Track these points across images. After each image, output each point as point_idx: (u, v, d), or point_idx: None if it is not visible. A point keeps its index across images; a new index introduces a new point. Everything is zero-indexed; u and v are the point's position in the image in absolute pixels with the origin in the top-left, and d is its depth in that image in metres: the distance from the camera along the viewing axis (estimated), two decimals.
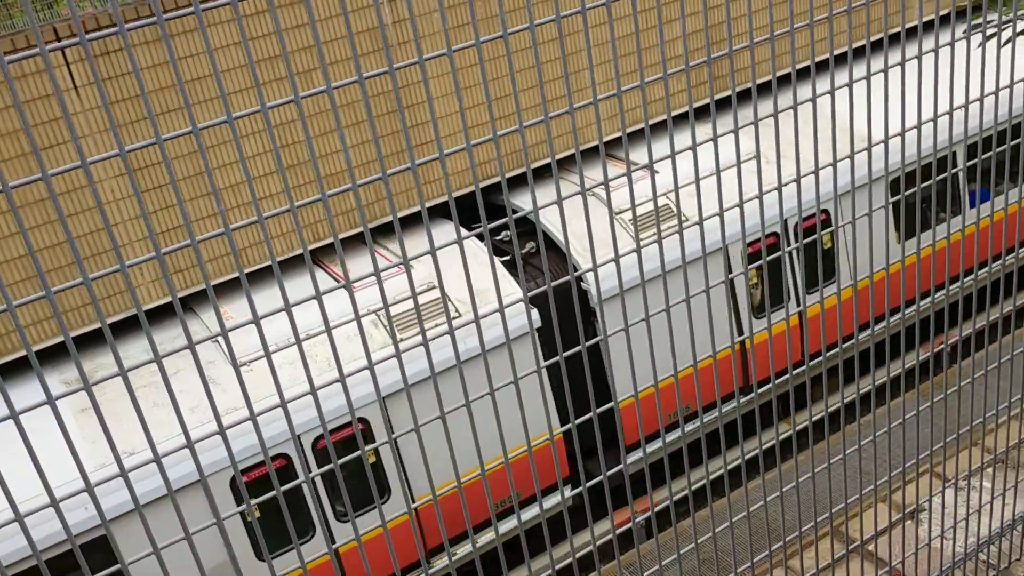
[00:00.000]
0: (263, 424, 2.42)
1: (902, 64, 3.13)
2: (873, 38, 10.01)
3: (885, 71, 2.98)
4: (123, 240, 7.55)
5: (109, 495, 6.34)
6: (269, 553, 2.54)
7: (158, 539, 2.22)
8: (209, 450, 6.49)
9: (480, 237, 8.72)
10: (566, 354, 2.75)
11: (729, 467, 4.14)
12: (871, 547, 4.67)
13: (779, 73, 9.35)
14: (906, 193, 3.73)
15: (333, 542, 7.61)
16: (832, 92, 2.90)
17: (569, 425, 2.84)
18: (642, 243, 3.69)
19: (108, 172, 7.31)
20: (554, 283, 2.50)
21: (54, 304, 1.79)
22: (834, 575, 4.12)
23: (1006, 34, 3.82)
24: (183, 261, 7.76)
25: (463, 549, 8.03)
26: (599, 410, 2.86)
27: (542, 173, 9.58)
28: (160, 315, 7.98)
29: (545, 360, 8.06)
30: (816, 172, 3.06)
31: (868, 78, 2.99)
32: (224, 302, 8.08)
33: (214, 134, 7.49)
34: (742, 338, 3.50)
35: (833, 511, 3.93)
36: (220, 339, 7.71)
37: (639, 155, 9.58)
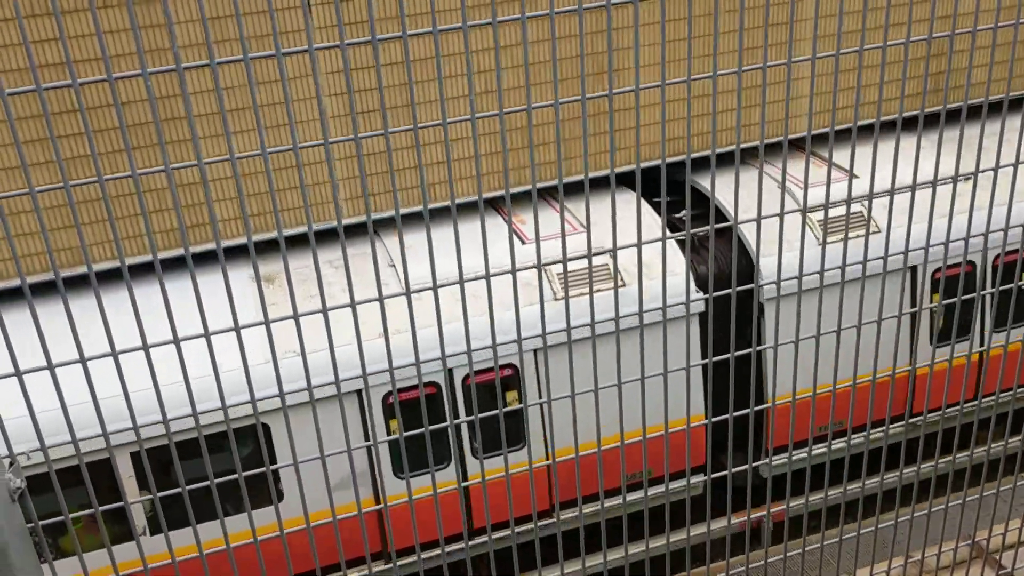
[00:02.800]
0: (421, 351, 2.57)
1: None
2: None
3: None
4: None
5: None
6: (409, 470, 2.73)
7: (306, 436, 2.44)
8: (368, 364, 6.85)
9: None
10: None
11: (866, 493, 4.01)
12: None
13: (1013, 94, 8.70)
14: None
15: (464, 476, 7.92)
16: None
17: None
18: (828, 247, 3.59)
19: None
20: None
21: (242, 196, 1.99)
22: None
23: None
24: (381, 185, 8.17)
25: (568, 513, 8.16)
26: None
27: (732, 159, 9.36)
28: (355, 232, 8.34)
29: (703, 346, 8.00)
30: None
31: None
32: (408, 232, 8.46)
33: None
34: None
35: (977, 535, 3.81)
36: (397, 265, 8.16)
37: (840, 157, 9.20)
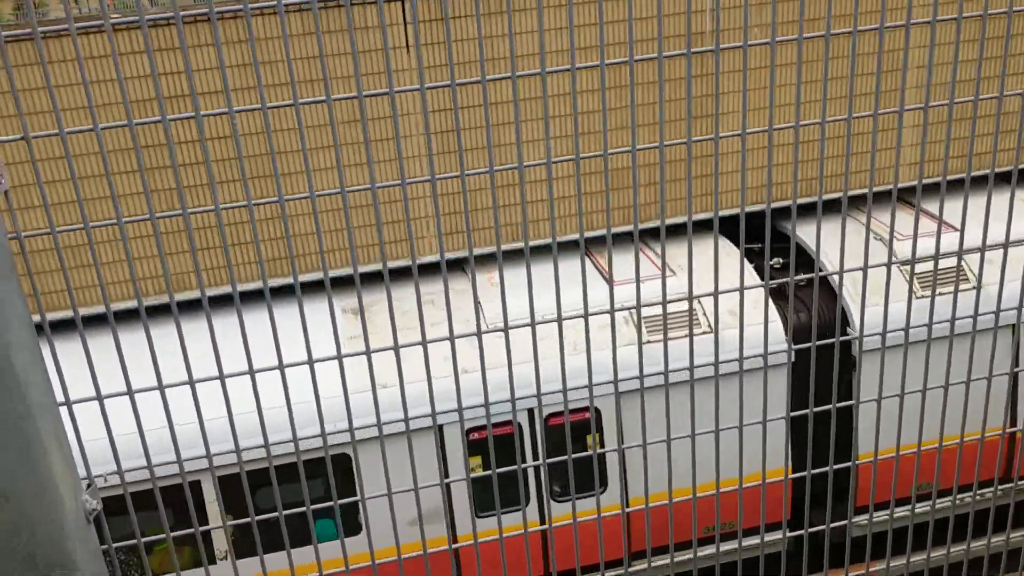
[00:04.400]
0: (503, 389, 2.58)
1: None
2: None
3: None
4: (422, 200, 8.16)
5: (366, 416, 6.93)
6: (487, 510, 2.72)
7: (392, 467, 2.46)
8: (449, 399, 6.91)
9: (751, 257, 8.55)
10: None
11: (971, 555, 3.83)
12: None
13: None
14: None
15: (545, 517, 7.84)
16: None
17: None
18: (922, 301, 3.49)
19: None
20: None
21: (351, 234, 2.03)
22: None
23: None
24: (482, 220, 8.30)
25: (661, 560, 8.00)
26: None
27: (834, 207, 9.19)
28: (449, 267, 8.48)
29: (792, 398, 7.80)
30: None
31: None
32: (492, 269, 8.52)
33: None
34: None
35: None
36: (482, 303, 8.21)
37: (935, 209, 8.93)
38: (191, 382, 2.05)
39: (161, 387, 2.05)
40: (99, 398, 2.00)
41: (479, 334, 2.24)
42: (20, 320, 1.63)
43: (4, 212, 1.67)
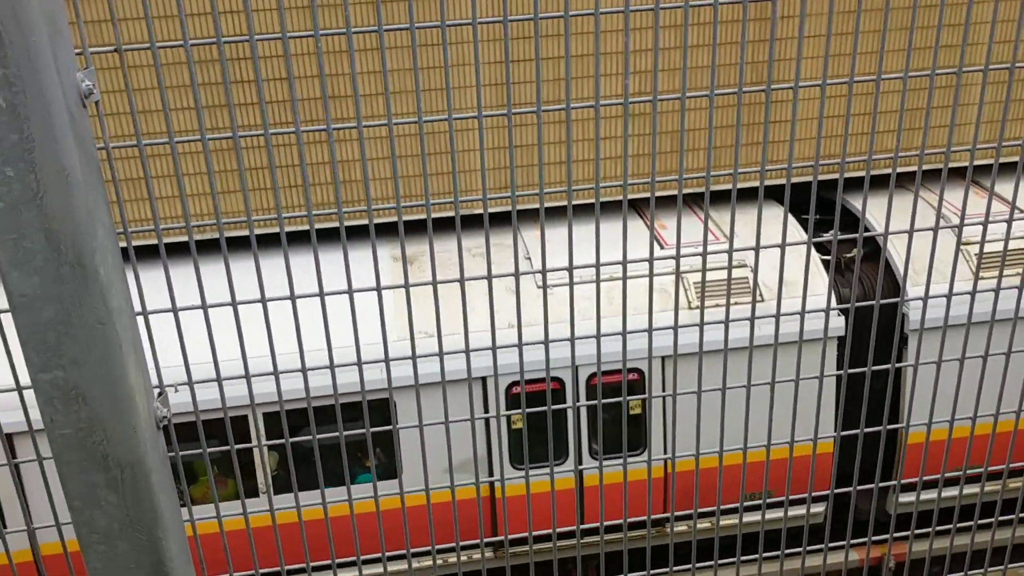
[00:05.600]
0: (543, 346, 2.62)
1: None
2: None
3: None
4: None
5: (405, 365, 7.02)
6: (528, 461, 2.79)
7: (431, 414, 2.54)
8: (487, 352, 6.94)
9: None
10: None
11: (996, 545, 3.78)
12: None
13: None
14: None
15: (580, 474, 7.94)
16: None
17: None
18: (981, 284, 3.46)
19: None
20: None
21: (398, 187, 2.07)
22: None
23: None
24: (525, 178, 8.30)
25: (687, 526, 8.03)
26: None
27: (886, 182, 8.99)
28: (497, 221, 8.49)
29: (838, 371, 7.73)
30: None
31: None
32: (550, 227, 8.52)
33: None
34: None
35: None
36: (532, 259, 8.23)
37: (1001, 189, 8.70)
38: (234, 303, 2.16)
39: (234, 303, 2.17)
40: (174, 310, 2.13)
41: (516, 274, 2.28)
42: (105, 228, 1.73)
43: (93, 119, 1.75)
